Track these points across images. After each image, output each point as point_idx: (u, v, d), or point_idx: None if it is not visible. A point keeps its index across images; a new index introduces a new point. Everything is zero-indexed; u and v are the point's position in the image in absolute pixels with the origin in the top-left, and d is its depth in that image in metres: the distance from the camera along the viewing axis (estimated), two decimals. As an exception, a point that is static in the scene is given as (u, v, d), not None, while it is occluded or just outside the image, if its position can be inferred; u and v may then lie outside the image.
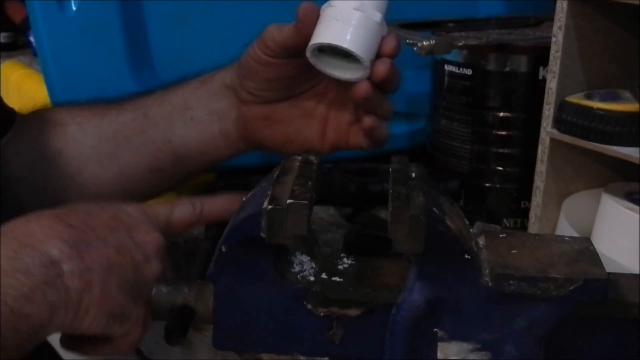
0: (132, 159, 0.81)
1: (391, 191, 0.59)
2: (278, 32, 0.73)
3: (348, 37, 0.66)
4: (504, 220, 0.97)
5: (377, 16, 0.67)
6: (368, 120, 0.72)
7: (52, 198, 0.82)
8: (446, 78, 0.98)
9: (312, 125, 0.77)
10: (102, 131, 0.82)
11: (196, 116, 0.80)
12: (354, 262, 0.64)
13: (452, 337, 0.60)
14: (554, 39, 0.85)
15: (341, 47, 0.66)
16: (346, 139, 0.76)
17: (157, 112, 0.81)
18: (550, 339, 0.60)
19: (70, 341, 0.61)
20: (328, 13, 0.68)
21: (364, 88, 0.69)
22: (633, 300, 0.61)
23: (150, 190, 0.84)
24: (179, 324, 0.61)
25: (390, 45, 0.70)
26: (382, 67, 0.69)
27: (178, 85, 0.82)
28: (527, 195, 0.91)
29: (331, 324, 0.61)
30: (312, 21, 0.69)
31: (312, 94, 0.77)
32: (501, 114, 0.95)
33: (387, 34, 0.70)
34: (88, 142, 0.82)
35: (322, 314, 0.61)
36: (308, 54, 0.69)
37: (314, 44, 0.67)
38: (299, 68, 0.74)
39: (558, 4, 0.84)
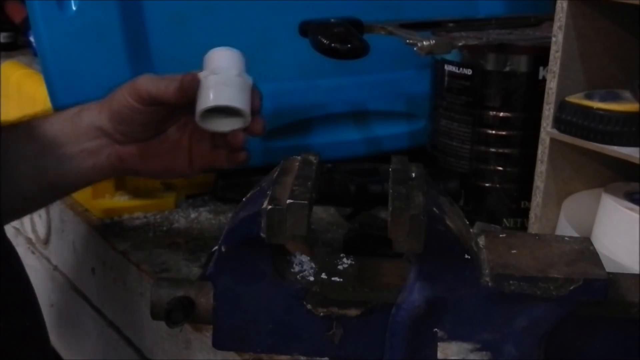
0: (8, 188, 0.81)
1: (391, 191, 0.59)
2: (153, 87, 0.80)
3: (239, 98, 0.79)
4: (504, 220, 0.97)
5: (250, 79, 0.81)
6: (242, 155, 0.85)
7: None
8: (446, 78, 0.98)
9: (180, 157, 0.85)
10: None
11: (68, 152, 0.84)
12: (353, 262, 0.64)
13: (452, 337, 0.60)
14: (554, 39, 0.85)
15: (235, 107, 0.78)
16: (211, 163, 0.86)
17: (28, 149, 0.83)
18: (550, 339, 0.60)
19: None
20: (215, 80, 0.79)
21: (242, 138, 0.82)
22: (633, 300, 0.61)
23: (19, 214, 0.92)
24: (180, 308, 0.61)
25: (257, 102, 0.82)
26: (259, 126, 0.82)
27: (42, 121, 0.85)
28: (527, 195, 0.91)
29: (331, 324, 0.61)
30: (195, 89, 0.79)
31: (176, 127, 0.84)
32: (501, 114, 0.95)
33: (253, 90, 0.81)
34: None
35: (321, 314, 0.61)
36: (199, 114, 0.79)
37: (211, 105, 0.78)
38: (167, 111, 0.82)
39: (558, 4, 0.84)
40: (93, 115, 0.83)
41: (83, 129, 0.83)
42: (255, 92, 0.81)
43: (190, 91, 0.79)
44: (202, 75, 0.80)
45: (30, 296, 0.80)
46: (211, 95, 0.78)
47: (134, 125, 0.82)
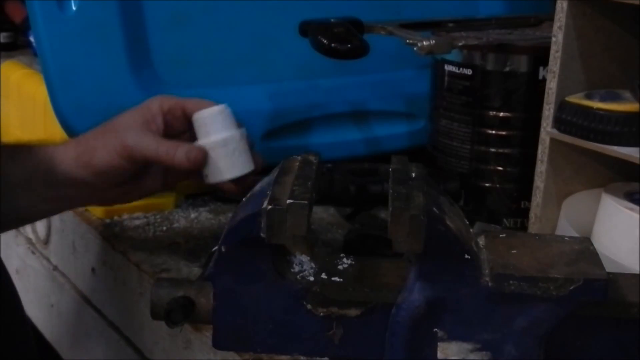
0: None
1: (391, 191, 0.59)
2: (151, 152, 0.79)
3: (248, 160, 0.82)
4: (504, 220, 0.97)
5: (244, 129, 0.82)
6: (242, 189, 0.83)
7: None
8: (446, 78, 0.98)
9: (156, 181, 0.85)
10: None
11: (43, 195, 0.81)
12: (353, 262, 0.64)
13: (452, 337, 0.60)
14: (554, 39, 0.85)
15: (248, 172, 0.81)
16: (186, 177, 0.85)
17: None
18: (550, 339, 0.60)
19: None
20: (224, 153, 0.80)
21: (252, 181, 0.80)
22: (633, 300, 0.61)
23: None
24: (180, 308, 0.61)
25: (252, 143, 0.83)
26: (260, 162, 0.83)
27: (14, 158, 0.81)
28: (527, 195, 0.91)
29: (331, 324, 0.61)
30: (204, 161, 0.80)
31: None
32: (501, 114, 0.95)
33: (247, 136, 0.83)
34: None
35: (321, 314, 0.61)
36: (212, 183, 0.82)
37: (227, 179, 0.81)
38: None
39: (558, 4, 0.84)
40: (69, 169, 0.80)
41: (58, 179, 0.80)
42: (248, 136, 0.82)
43: (199, 165, 0.80)
44: (206, 145, 0.80)
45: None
46: (229, 168, 0.81)
47: (120, 177, 0.81)
